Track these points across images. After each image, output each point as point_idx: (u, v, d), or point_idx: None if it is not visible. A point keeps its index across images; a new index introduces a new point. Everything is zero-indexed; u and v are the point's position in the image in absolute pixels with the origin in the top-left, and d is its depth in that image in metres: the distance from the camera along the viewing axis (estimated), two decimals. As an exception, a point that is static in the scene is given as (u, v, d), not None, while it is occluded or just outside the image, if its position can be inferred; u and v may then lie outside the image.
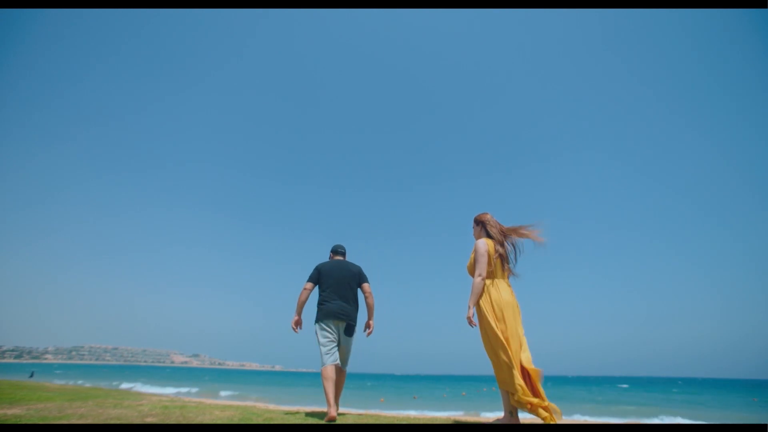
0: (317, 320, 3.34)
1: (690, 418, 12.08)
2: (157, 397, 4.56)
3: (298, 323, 3.39)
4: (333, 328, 3.31)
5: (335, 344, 3.27)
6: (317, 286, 3.45)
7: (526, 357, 2.48)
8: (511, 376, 2.37)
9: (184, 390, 17.19)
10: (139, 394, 5.03)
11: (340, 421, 2.89)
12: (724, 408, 17.14)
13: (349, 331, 3.36)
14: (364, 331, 3.51)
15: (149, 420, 2.68)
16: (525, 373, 2.43)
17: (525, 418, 2.81)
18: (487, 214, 2.95)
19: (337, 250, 3.71)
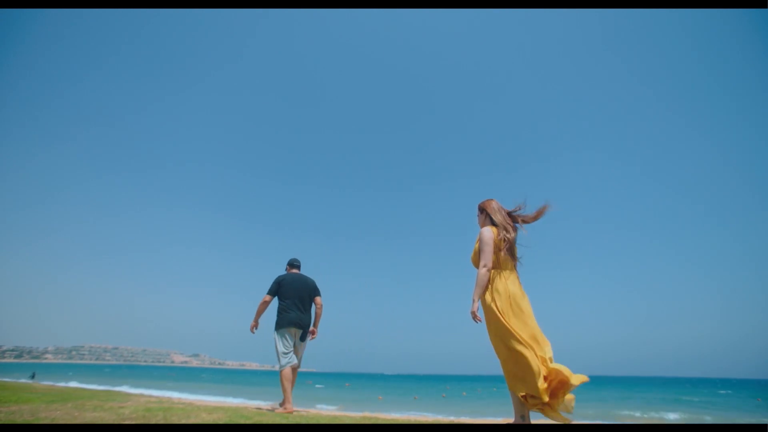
0: (278, 327, 3.80)
1: (692, 419, 11.86)
2: (145, 398, 4.34)
3: (255, 326, 3.92)
4: (291, 334, 3.81)
5: (292, 350, 3.78)
6: (277, 296, 3.92)
7: (548, 352, 2.21)
8: (524, 376, 2.13)
9: (177, 391, 16.93)
10: (127, 395, 4.82)
11: (340, 421, 2.75)
12: (728, 408, 16.89)
13: (304, 337, 3.90)
14: (308, 336, 3.97)
15: (127, 423, 2.46)
16: (549, 371, 2.15)
17: (536, 419, 2.59)
18: (492, 200, 2.70)
19: (294, 264, 4.19)
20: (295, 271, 4.14)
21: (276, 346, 3.76)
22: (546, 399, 2.06)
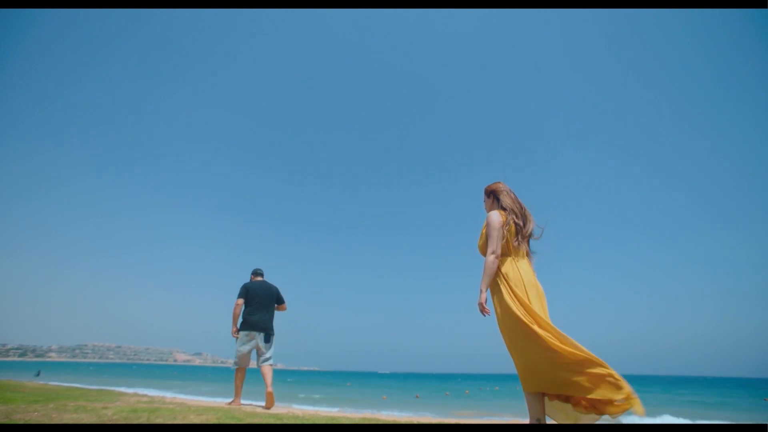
0: (242, 329, 4.25)
1: (697, 419, 11.60)
2: (136, 398, 4.16)
3: (237, 332, 4.28)
4: (253, 336, 4.22)
5: (251, 350, 4.23)
6: (244, 301, 4.33)
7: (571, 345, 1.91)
8: (537, 370, 1.89)
9: (175, 390, 16.72)
10: (119, 394, 4.64)
11: (337, 421, 2.65)
12: (734, 408, 16.59)
13: (267, 338, 4.31)
14: (271, 338, 4.38)
15: (105, 424, 2.28)
16: (585, 364, 1.86)
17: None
18: (499, 182, 2.45)
19: (257, 272, 4.65)
20: (259, 278, 4.59)
21: (236, 346, 4.23)
22: (569, 392, 1.82)
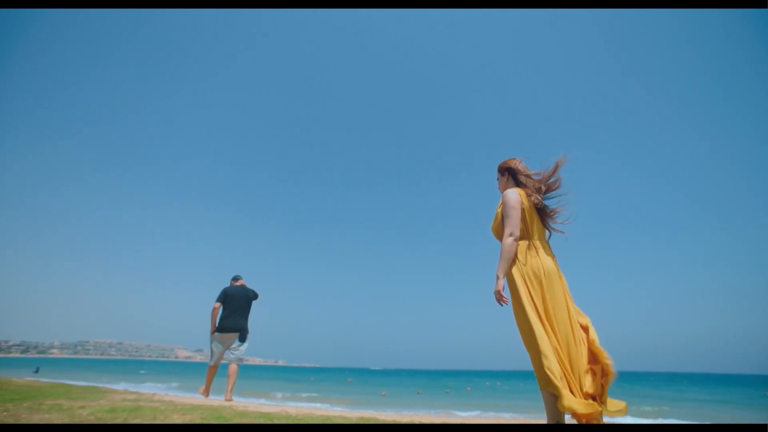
0: (218, 330, 4.63)
1: (698, 417, 11.41)
2: (122, 396, 3.96)
3: (214, 330, 4.66)
4: (227, 338, 4.63)
5: (224, 350, 4.65)
6: (222, 304, 4.70)
7: (591, 337, 1.80)
8: (555, 371, 1.70)
9: (167, 387, 16.46)
10: (106, 392, 4.43)
11: (339, 421, 2.57)
12: (734, 404, 16.39)
13: (243, 337, 4.72)
14: (246, 338, 4.83)
15: (77, 424, 2.07)
16: (592, 359, 1.75)
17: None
18: (515, 159, 2.18)
19: (237, 278, 5.00)
20: (238, 283, 4.93)
21: (211, 346, 4.67)
22: (566, 404, 1.64)
